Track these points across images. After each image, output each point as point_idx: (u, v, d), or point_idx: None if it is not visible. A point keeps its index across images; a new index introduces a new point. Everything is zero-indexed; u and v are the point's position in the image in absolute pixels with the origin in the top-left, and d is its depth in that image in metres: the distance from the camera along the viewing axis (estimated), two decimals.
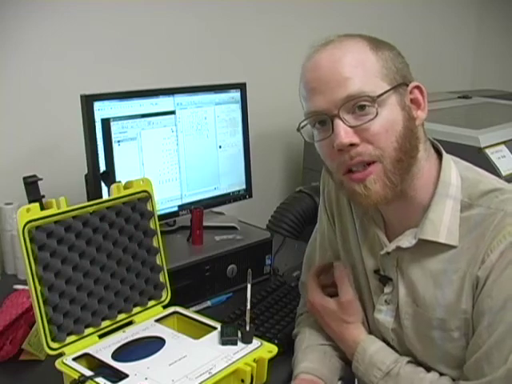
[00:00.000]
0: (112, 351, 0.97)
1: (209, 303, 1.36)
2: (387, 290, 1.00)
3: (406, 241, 0.94)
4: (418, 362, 0.98)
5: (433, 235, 0.92)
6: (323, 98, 0.88)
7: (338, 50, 0.90)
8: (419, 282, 0.95)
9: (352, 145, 0.88)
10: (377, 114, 0.87)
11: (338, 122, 0.88)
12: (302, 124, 0.94)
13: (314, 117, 0.91)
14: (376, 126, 0.87)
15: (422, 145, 0.93)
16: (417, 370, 0.96)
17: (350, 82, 0.87)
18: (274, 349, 0.99)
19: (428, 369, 0.96)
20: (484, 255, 0.88)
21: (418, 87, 0.93)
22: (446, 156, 0.96)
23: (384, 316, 1.01)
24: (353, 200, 0.98)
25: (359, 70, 0.88)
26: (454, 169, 0.95)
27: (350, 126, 0.88)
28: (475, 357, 0.89)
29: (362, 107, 0.87)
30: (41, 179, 0.99)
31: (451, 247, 0.91)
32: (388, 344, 1.02)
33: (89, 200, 1.08)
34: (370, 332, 1.04)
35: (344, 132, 0.87)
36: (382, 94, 0.87)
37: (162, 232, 1.16)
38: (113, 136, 1.31)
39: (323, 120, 0.90)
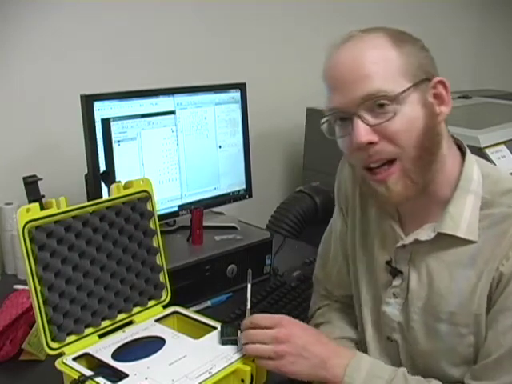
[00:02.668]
0: (112, 351, 0.97)
1: (209, 303, 1.36)
2: (396, 282, 1.00)
3: (425, 234, 0.94)
4: (418, 361, 0.97)
5: (452, 229, 0.92)
6: (343, 96, 0.88)
7: (358, 46, 0.89)
8: (435, 273, 0.94)
9: (371, 143, 0.88)
10: (395, 113, 0.86)
11: (357, 121, 0.87)
12: (323, 120, 0.94)
13: (335, 114, 0.92)
14: (396, 124, 0.87)
15: (445, 141, 0.93)
16: (420, 379, 0.94)
17: (368, 80, 0.86)
18: None
19: (429, 367, 0.96)
20: (508, 252, 0.87)
21: (441, 82, 0.91)
22: (469, 153, 0.96)
23: (391, 309, 1.00)
24: (375, 199, 0.99)
25: (379, 66, 0.87)
26: (476, 165, 0.95)
27: (369, 125, 0.87)
28: (498, 355, 0.87)
29: (382, 105, 0.86)
30: (41, 179, 0.99)
31: (470, 242, 0.91)
32: (387, 338, 1.02)
33: (89, 200, 1.08)
34: (363, 328, 1.04)
35: (363, 131, 0.87)
36: (402, 93, 0.86)
37: (161, 232, 1.16)
38: (113, 136, 1.31)
39: (344, 117, 0.90)
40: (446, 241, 0.93)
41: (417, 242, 0.95)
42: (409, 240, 0.96)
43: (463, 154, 0.96)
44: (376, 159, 0.89)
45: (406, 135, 0.87)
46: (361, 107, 0.87)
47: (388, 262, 1.00)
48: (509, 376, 0.87)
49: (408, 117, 0.87)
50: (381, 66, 0.87)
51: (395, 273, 0.99)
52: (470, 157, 0.96)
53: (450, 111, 0.92)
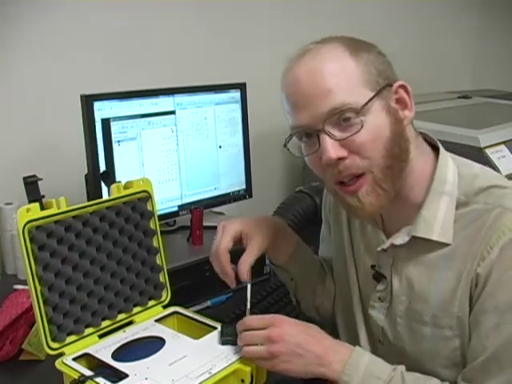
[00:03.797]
0: (112, 351, 0.97)
1: (209, 303, 1.36)
2: (380, 287, 1.00)
3: (400, 238, 0.94)
4: (408, 363, 0.96)
5: (426, 233, 0.91)
6: (307, 113, 0.87)
7: (317, 59, 0.87)
8: (414, 278, 0.94)
9: (340, 158, 0.86)
10: (362, 125, 0.85)
11: (324, 137, 0.86)
12: (288, 139, 0.93)
13: (300, 131, 0.91)
14: (362, 136, 0.85)
15: (413, 144, 0.91)
16: (419, 376, 0.92)
17: (331, 94, 0.84)
18: None
19: (419, 369, 0.94)
20: (483, 252, 0.86)
21: (402, 86, 0.90)
22: (443, 151, 0.95)
23: (377, 313, 1.01)
24: (348, 212, 0.98)
25: (340, 79, 0.85)
26: (452, 165, 0.93)
27: (337, 140, 0.86)
28: (485, 357, 0.86)
29: (347, 119, 0.85)
30: (41, 179, 0.98)
31: (445, 245, 0.91)
32: (378, 341, 1.02)
33: (89, 200, 1.08)
34: (356, 333, 1.05)
35: (331, 147, 0.86)
36: (366, 103, 0.85)
37: (162, 232, 1.15)
38: (113, 136, 1.31)
39: (309, 132, 0.89)
40: (421, 244, 0.92)
41: (394, 246, 0.95)
42: (387, 244, 0.96)
43: (437, 152, 0.95)
44: (347, 174, 0.88)
45: (372, 146, 0.86)
46: (326, 122, 0.85)
47: (373, 267, 1.01)
48: (496, 379, 0.85)
49: (374, 126, 0.86)
50: (342, 78, 0.85)
51: (379, 277, 1.00)
52: (445, 156, 0.94)
53: (414, 115, 0.90)
